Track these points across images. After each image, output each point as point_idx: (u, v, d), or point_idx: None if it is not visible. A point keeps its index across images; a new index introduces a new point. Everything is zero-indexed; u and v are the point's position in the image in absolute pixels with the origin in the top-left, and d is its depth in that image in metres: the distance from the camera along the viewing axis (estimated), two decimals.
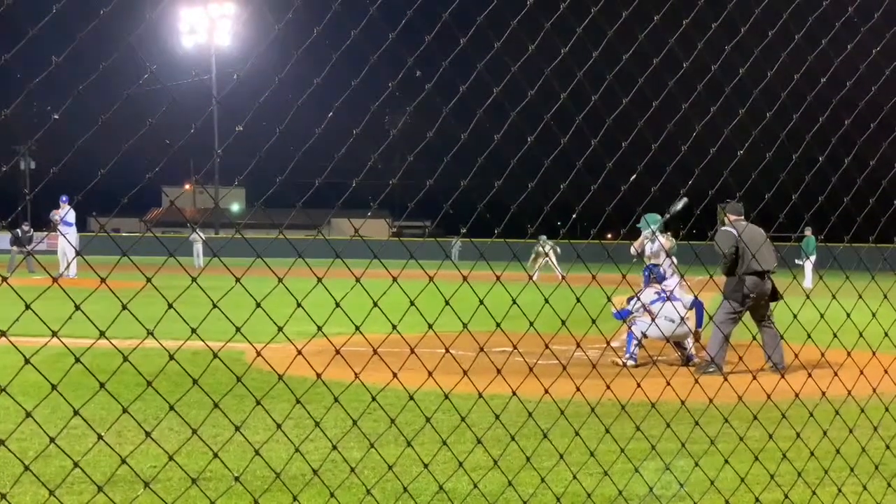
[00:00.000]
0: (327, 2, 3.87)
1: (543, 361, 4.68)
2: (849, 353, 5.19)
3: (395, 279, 3.88)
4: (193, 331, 3.45)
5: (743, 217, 12.48)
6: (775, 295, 12.01)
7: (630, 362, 12.57)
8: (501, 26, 4.07)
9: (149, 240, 3.74)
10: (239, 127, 3.60)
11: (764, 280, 11.98)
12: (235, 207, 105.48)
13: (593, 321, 4.41)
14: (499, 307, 4.29)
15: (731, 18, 4.44)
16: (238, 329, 3.59)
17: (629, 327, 12.99)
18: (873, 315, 5.04)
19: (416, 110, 4.24)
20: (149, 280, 3.41)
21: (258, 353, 3.71)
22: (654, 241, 13.68)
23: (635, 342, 12.66)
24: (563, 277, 4.43)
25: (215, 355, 3.66)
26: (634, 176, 4.46)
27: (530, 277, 4.18)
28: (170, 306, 3.45)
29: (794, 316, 4.79)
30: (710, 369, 11.24)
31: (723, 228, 12.53)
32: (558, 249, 37.81)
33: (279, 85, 3.72)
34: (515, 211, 4.25)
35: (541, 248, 37.45)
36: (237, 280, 3.57)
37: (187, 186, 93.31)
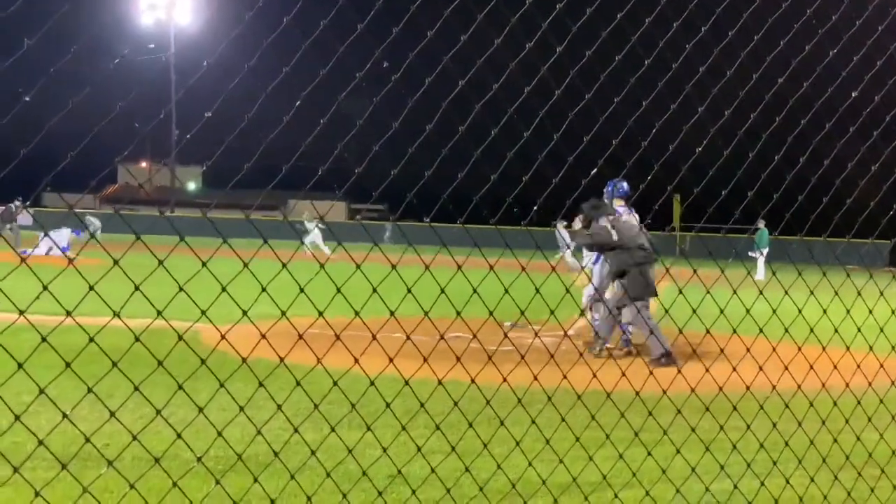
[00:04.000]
0: None
1: (502, 347, 4.75)
2: (799, 349, 5.31)
3: (358, 266, 3.94)
4: (159, 313, 3.49)
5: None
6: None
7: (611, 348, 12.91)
8: (468, 20, 4.13)
9: (106, 216, 3.77)
10: (208, 113, 3.64)
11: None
12: (192, 186, 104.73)
13: (552, 312, 4.49)
14: (458, 293, 4.35)
15: (692, 18, 4.53)
16: (203, 312, 3.64)
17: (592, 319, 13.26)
18: (824, 311, 5.17)
19: (382, 98, 4.30)
20: (116, 262, 3.44)
21: (223, 336, 3.76)
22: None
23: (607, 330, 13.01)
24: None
25: (180, 337, 3.70)
26: (595, 170, 4.55)
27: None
28: (136, 288, 3.49)
29: (748, 311, 4.90)
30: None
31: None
32: (320, 226, 34.03)
33: (241, 67, 3.76)
34: (478, 202, 4.32)
35: (308, 225, 34.06)
36: (203, 264, 3.61)
37: (143, 164, 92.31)
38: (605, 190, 13.71)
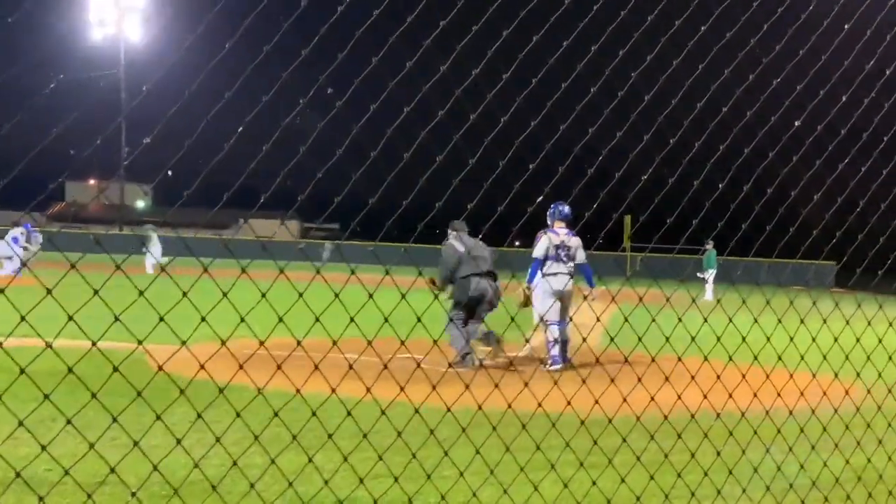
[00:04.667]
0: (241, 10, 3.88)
1: (446, 369, 4.72)
2: (744, 376, 5.33)
3: (300, 295, 3.89)
4: (94, 344, 3.42)
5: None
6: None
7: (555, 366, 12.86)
8: (415, 46, 4.11)
9: (49, 235, 3.70)
10: (146, 139, 3.59)
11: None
12: (141, 205, 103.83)
13: (499, 338, 4.46)
14: (405, 314, 4.32)
15: (638, 46, 4.55)
16: (140, 343, 3.57)
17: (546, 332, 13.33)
18: (767, 339, 5.20)
19: (328, 123, 4.27)
20: (49, 292, 3.37)
21: (160, 368, 3.69)
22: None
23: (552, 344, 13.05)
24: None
25: (115, 369, 3.63)
26: (540, 198, 4.55)
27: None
28: (70, 318, 3.41)
29: (693, 338, 4.91)
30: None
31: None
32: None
33: (191, 83, 3.71)
34: (422, 229, 4.30)
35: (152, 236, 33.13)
36: (141, 293, 3.54)
37: (92, 181, 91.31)
38: (547, 213, 14.11)
